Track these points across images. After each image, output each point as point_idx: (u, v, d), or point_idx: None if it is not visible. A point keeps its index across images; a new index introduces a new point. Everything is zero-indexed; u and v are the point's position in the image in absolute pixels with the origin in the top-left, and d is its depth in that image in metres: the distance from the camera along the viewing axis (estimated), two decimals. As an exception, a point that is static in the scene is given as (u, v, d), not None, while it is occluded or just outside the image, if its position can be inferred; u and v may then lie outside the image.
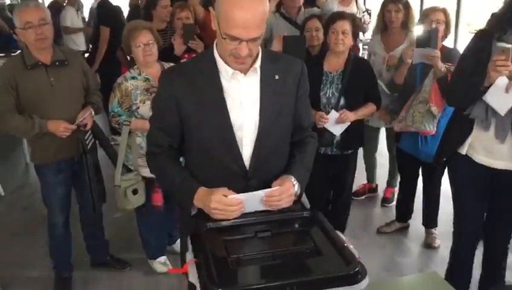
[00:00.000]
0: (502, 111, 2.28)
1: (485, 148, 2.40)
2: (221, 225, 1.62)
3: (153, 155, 1.81)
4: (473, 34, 2.54)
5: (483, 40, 2.36)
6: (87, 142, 2.88)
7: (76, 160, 2.92)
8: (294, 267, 1.42)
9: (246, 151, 1.71)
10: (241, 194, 1.60)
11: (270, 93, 1.70)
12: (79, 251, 3.28)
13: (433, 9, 3.28)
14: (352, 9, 4.20)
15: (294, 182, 1.70)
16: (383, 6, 3.68)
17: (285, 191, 1.64)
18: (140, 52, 2.85)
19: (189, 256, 1.52)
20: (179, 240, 3.46)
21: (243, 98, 1.68)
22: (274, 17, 3.73)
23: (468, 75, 2.34)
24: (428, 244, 3.54)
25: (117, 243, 3.52)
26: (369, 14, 4.55)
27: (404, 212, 3.74)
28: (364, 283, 1.36)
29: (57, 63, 2.75)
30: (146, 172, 2.96)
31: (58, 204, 2.96)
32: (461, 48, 3.37)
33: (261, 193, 1.62)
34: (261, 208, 1.66)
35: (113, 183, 2.96)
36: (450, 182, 2.66)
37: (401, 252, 3.52)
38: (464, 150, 2.47)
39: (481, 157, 2.42)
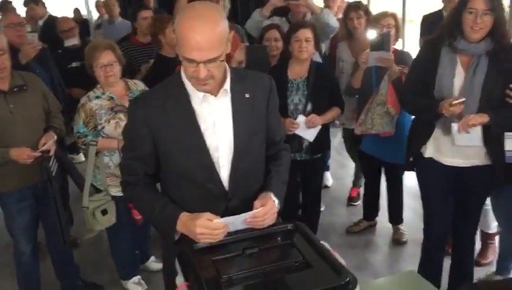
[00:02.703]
0: (479, 142, 2.43)
1: (449, 149, 2.49)
2: (208, 245, 1.62)
3: (128, 185, 1.78)
4: (422, 43, 2.66)
5: (432, 50, 2.47)
6: (51, 169, 2.81)
7: (39, 186, 2.83)
8: (287, 283, 1.44)
9: (224, 172, 1.72)
10: (226, 217, 1.61)
11: (242, 112, 1.71)
12: (48, 277, 3.17)
13: (384, 15, 3.41)
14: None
15: (274, 199, 1.71)
16: (345, 15, 3.77)
17: (269, 210, 1.65)
18: (101, 72, 2.80)
19: (180, 280, 1.51)
20: (152, 258, 3.46)
21: (215, 119, 1.69)
22: (281, 23, 3.76)
23: (419, 99, 2.51)
24: (396, 240, 3.66)
25: (88, 267, 3.44)
26: None
27: (370, 211, 3.84)
28: (356, 291, 1.40)
29: (16, 89, 2.67)
30: (115, 191, 2.92)
31: (23, 233, 2.87)
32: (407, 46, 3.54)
33: (245, 215, 1.63)
34: (245, 227, 1.67)
35: (81, 204, 2.89)
36: (419, 183, 2.76)
37: (371, 250, 3.61)
38: (428, 153, 2.57)
39: (446, 159, 2.53)
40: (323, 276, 1.45)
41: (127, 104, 2.89)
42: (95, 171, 2.92)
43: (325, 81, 3.16)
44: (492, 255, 3.25)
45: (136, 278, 3.24)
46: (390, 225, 3.76)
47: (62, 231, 2.91)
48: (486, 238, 3.28)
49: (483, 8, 2.27)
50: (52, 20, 5.57)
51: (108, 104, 2.85)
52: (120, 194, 2.91)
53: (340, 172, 4.85)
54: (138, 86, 3.02)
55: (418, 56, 2.63)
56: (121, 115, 2.85)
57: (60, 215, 2.87)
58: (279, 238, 1.68)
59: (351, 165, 4.42)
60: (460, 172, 2.53)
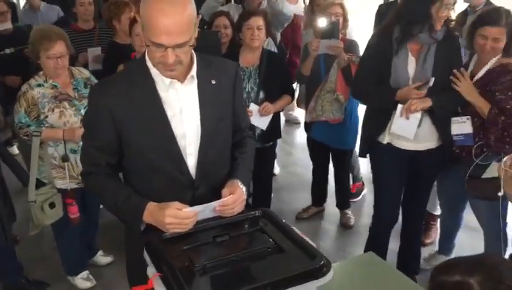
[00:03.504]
0: (411, 135, 2.53)
1: None
2: (177, 234, 1.58)
3: (90, 175, 1.70)
4: (373, 33, 2.74)
5: (385, 39, 2.54)
6: (-12, 163, 2.64)
7: (-23, 181, 2.66)
8: (262, 269, 1.44)
9: (191, 160, 1.68)
10: (195, 206, 1.57)
11: (209, 99, 1.68)
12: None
13: (331, 3, 3.44)
14: (300, 7, 4.26)
15: (241, 186, 1.70)
16: (311, 1, 3.73)
17: (238, 198, 1.63)
18: (51, 64, 2.65)
19: (151, 270, 1.46)
20: (100, 252, 3.34)
21: (182, 106, 1.64)
22: (237, 10, 3.67)
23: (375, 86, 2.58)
24: (344, 224, 3.76)
25: (30, 264, 3.26)
26: None
27: (319, 196, 3.92)
28: (331, 274, 1.42)
29: None
30: (61, 183, 2.79)
31: None
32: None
33: (214, 204, 1.60)
34: (214, 215, 1.65)
35: (25, 198, 2.73)
36: (373, 169, 2.85)
37: (321, 236, 3.70)
38: (385, 140, 2.65)
39: (403, 143, 2.62)
40: (297, 260, 1.46)
41: (71, 93, 2.77)
42: (39, 162, 2.76)
43: (277, 69, 3.17)
44: (435, 235, 3.43)
45: (85, 273, 3.12)
46: (337, 210, 3.86)
47: (3, 227, 2.75)
48: (431, 219, 3.44)
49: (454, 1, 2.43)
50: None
51: (51, 92, 2.70)
52: (65, 186, 2.80)
53: (286, 159, 4.90)
54: (82, 73, 2.89)
55: (369, 46, 2.67)
56: (66, 104, 2.72)
57: (0, 211, 2.71)
58: (247, 225, 1.67)
59: (296, 153, 4.49)
60: (415, 156, 2.63)
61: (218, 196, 1.65)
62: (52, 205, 2.77)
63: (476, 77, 2.59)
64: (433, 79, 2.47)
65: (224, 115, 1.72)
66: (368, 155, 2.84)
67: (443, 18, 2.44)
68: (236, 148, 1.84)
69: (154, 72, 1.60)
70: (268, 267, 1.45)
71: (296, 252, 1.50)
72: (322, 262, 1.43)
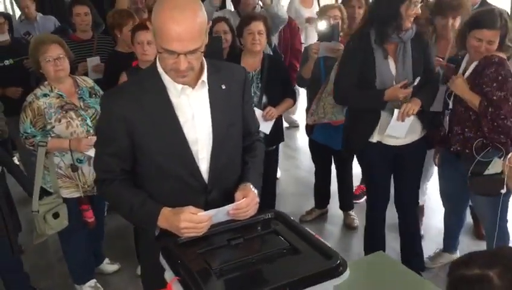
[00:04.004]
0: (402, 135, 2.69)
1: None
2: (192, 238, 1.60)
3: (104, 182, 1.71)
4: (350, 37, 2.82)
5: (364, 42, 2.61)
6: (-6, 173, 2.64)
7: (-18, 191, 2.66)
8: (279, 270, 1.45)
9: (203, 164, 1.71)
10: (209, 210, 1.59)
11: (220, 104, 1.70)
12: (-5, 288, 2.99)
13: (330, 7, 3.53)
14: (314, 11, 4.29)
15: (254, 189, 1.72)
16: (345, 2, 3.67)
17: (251, 201, 1.65)
18: (50, 67, 2.66)
19: (169, 274, 1.48)
20: (106, 259, 3.35)
21: (194, 112, 1.67)
22: (231, 16, 3.71)
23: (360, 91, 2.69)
24: (348, 225, 3.79)
25: (36, 273, 3.26)
26: None
27: (322, 199, 3.94)
28: (347, 273, 1.44)
29: None
30: (67, 193, 2.80)
31: None
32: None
33: (228, 207, 1.62)
34: (227, 218, 1.67)
35: (30, 208, 2.75)
36: (362, 165, 3.01)
37: (325, 237, 3.68)
38: (374, 138, 2.75)
39: (390, 140, 2.74)
40: (313, 260, 1.48)
41: (77, 102, 2.78)
42: (45, 172, 2.77)
43: (278, 72, 3.20)
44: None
45: (92, 282, 3.12)
46: (341, 212, 3.88)
47: (9, 239, 2.75)
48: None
49: None
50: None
51: (57, 102, 2.71)
52: (71, 195, 2.81)
53: (287, 163, 4.92)
54: (87, 82, 2.91)
55: (348, 50, 2.74)
56: (72, 114, 2.74)
57: (6, 223, 2.71)
58: (260, 228, 1.69)
59: (297, 156, 4.51)
60: (400, 149, 2.76)
61: (230, 200, 1.67)
62: (55, 215, 2.77)
63: (467, 73, 2.64)
64: (418, 78, 2.58)
65: (234, 120, 1.75)
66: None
67: (412, 16, 2.53)
68: (247, 152, 1.86)
69: (166, 78, 1.62)
70: (285, 268, 1.46)
71: (311, 252, 1.52)
72: (339, 261, 1.45)
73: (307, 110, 3.46)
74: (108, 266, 3.35)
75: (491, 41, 2.53)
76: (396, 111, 2.60)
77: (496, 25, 2.51)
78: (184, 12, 1.47)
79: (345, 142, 3.00)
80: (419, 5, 2.52)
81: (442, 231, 3.25)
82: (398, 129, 2.67)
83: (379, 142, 2.75)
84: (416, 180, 2.95)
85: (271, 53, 3.59)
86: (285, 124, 4.33)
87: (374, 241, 3.04)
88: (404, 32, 2.55)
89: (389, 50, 2.60)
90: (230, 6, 4.97)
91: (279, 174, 4.67)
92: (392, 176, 2.95)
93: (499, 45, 2.55)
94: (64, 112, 2.71)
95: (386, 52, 2.59)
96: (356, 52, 2.64)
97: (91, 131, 2.73)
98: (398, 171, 2.91)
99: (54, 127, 2.69)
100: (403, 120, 2.60)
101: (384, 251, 2.95)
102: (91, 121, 2.76)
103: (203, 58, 1.67)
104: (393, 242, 3.17)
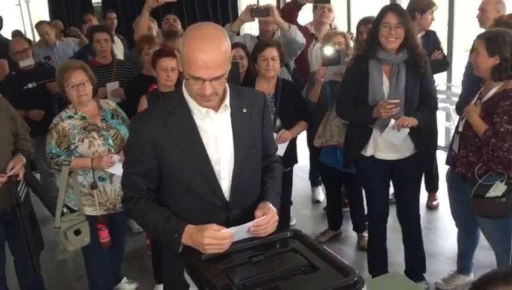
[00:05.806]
0: (398, 142, 2.87)
1: (386, 146, 2.93)
2: (214, 255, 1.67)
3: (131, 200, 1.80)
4: (350, 60, 3.09)
5: (361, 63, 2.84)
6: (20, 193, 2.75)
7: (8, 211, 2.77)
8: (299, 286, 1.52)
9: (225, 184, 1.79)
10: (231, 227, 1.67)
11: (241, 126, 1.80)
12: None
13: (334, 33, 3.70)
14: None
15: (273, 207, 1.80)
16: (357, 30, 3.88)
17: (271, 219, 1.73)
18: (74, 92, 2.79)
19: (193, 290, 1.55)
20: (124, 279, 3.41)
21: (217, 134, 1.76)
22: (251, 40, 3.82)
23: (356, 107, 2.89)
24: (362, 247, 3.80)
25: (58, 290, 3.34)
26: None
27: (334, 220, 3.98)
28: (365, 289, 1.50)
29: None
30: (90, 211, 2.88)
31: None
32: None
33: (249, 224, 1.70)
34: (248, 236, 1.74)
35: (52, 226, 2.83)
36: (360, 177, 3.19)
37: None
38: (368, 152, 2.96)
39: (382, 154, 2.94)
40: (331, 277, 1.54)
41: (99, 123, 2.89)
42: (68, 191, 2.87)
43: (292, 96, 3.30)
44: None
45: (111, 300, 3.18)
46: (355, 233, 3.91)
47: (31, 258, 2.83)
48: None
49: (395, 22, 2.70)
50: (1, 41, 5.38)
51: (81, 123, 2.83)
52: (95, 213, 2.89)
53: (299, 184, 4.94)
54: (110, 104, 3.02)
55: (348, 69, 3.00)
56: (94, 134, 2.84)
57: (29, 242, 2.80)
58: (280, 246, 1.75)
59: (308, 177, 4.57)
60: (394, 164, 2.95)
61: (250, 218, 1.74)
62: (77, 232, 2.85)
63: (485, 98, 2.69)
64: (398, 100, 2.74)
65: (254, 142, 1.84)
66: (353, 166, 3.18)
67: (386, 37, 2.72)
68: (266, 173, 1.94)
69: (191, 102, 1.72)
70: (304, 284, 1.53)
71: (329, 269, 1.58)
72: (356, 278, 1.51)
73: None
74: (126, 285, 3.41)
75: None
76: (392, 121, 2.78)
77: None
78: (211, 42, 1.58)
79: (343, 155, 3.19)
80: (397, 28, 2.70)
81: (456, 253, 3.27)
82: (393, 137, 2.86)
83: (372, 157, 2.96)
84: (415, 192, 3.12)
85: (289, 77, 3.68)
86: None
87: (375, 245, 3.23)
88: (389, 54, 2.77)
89: (384, 70, 2.83)
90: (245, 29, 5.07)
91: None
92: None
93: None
94: (87, 133, 2.81)
95: (381, 72, 2.82)
96: (352, 72, 2.89)
97: (112, 150, 2.84)
98: (396, 183, 3.13)
99: (77, 147, 2.79)
100: (398, 129, 2.79)
101: (386, 268, 3.17)
102: (113, 140, 2.86)
103: (226, 84, 1.76)
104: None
